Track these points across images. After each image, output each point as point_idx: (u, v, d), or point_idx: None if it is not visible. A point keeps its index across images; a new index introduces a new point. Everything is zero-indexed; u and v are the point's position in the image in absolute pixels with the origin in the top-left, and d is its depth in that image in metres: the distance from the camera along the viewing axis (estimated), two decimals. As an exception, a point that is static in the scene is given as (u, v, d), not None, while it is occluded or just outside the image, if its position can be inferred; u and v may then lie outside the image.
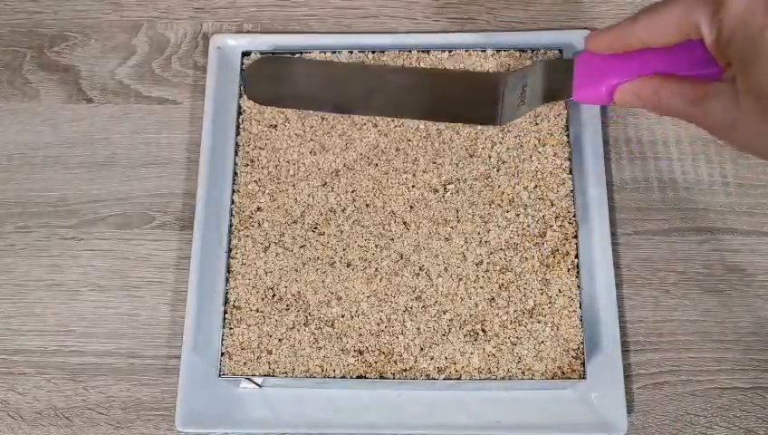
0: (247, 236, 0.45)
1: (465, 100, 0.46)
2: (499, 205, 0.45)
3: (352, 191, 0.46)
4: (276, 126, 0.47)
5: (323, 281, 0.44)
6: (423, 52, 0.48)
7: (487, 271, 0.44)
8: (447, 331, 0.43)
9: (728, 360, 0.45)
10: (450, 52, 0.48)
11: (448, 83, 0.47)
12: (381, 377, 0.42)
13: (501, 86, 0.45)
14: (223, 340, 0.43)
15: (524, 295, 0.43)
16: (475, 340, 0.42)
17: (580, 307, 0.43)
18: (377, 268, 0.44)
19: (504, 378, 0.41)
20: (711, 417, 0.44)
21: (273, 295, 0.44)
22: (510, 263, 0.44)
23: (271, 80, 0.48)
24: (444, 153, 0.46)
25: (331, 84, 0.47)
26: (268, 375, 0.42)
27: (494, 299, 0.43)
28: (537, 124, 0.46)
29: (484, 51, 0.48)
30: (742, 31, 0.31)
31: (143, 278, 0.48)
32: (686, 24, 0.33)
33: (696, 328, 0.46)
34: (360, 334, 0.43)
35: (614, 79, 0.38)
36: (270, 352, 0.42)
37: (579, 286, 0.43)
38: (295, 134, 0.47)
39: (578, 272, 0.43)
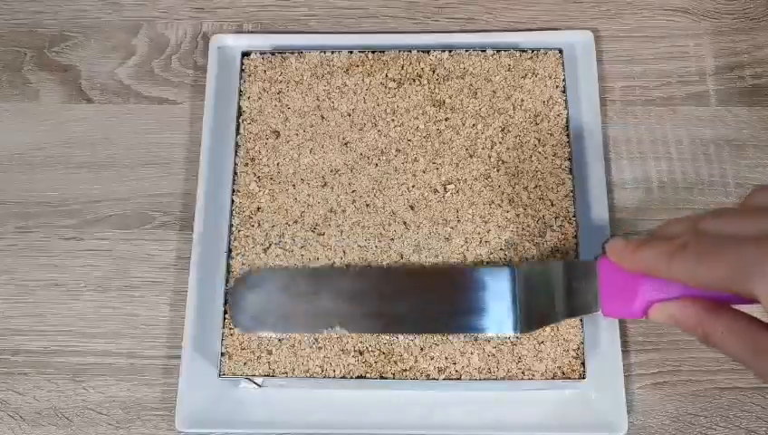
0: (247, 236, 0.45)
1: (477, 306, 0.42)
2: (499, 205, 0.45)
3: (352, 191, 0.46)
4: (276, 126, 0.47)
5: (323, 281, 0.44)
6: (423, 52, 0.48)
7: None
8: (447, 331, 0.42)
9: (728, 360, 0.45)
10: (450, 52, 0.48)
11: (454, 285, 0.42)
12: (381, 377, 0.42)
13: (514, 283, 0.41)
14: (223, 340, 0.43)
15: (524, 295, 0.43)
16: (475, 340, 0.42)
17: (511, 264, 0.43)
18: (377, 268, 0.44)
19: (503, 378, 0.41)
20: (711, 417, 0.44)
21: (273, 295, 0.44)
22: (510, 263, 0.44)
23: (253, 300, 0.43)
24: (444, 153, 0.46)
25: (320, 298, 0.42)
26: (268, 375, 0.42)
27: (494, 299, 0.43)
28: (537, 124, 0.46)
29: (484, 51, 0.48)
30: None
31: (143, 278, 0.48)
32: (736, 287, 0.30)
33: (696, 328, 0.46)
34: (360, 334, 0.43)
35: (648, 296, 0.35)
36: (270, 353, 0.42)
37: (579, 286, 0.43)
38: (295, 134, 0.47)
39: (578, 272, 0.43)
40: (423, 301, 0.42)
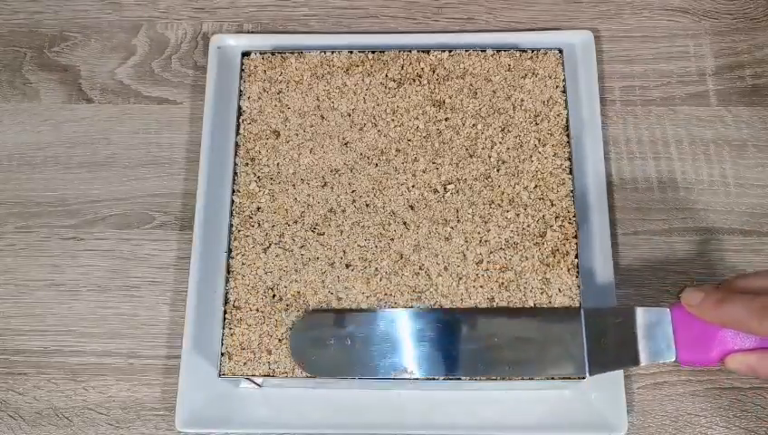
0: (247, 236, 0.45)
1: (545, 349, 0.41)
2: (499, 205, 0.45)
3: (352, 191, 0.46)
4: (276, 126, 0.47)
5: (323, 281, 0.44)
6: (423, 52, 0.48)
7: (487, 270, 0.44)
8: (447, 331, 0.42)
9: (728, 360, 0.45)
10: (450, 52, 0.48)
11: (521, 327, 0.42)
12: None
13: (579, 329, 0.41)
14: (223, 340, 0.43)
15: (524, 295, 0.43)
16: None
17: (581, 307, 0.43)
18: (377, 268, 0.44)
19: (504, 378, 0.41)
20: (711, 417, 0.44)
21: (273, 295, 0.44)
22: (510, 262, 0.44)
23: (315, 341, 0.42)
24: (444, 153, 0.46)
25: (386, 339, 0.42)
26: (268, 375, 0.42)
27: (493, 298, 0.43)
28: (537, 124, 0.46)
29: (484, 51, 0.48)
30: None
31: (143, 278, 0.48)
32: None
33: (696, 328, 0.46)
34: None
35: (725, 346, 0.35)
36: (270, 353, 0.42)
37: (579, 286, 0.43)
38: (295, 134, 0.47)
39: (578, 272, 0.43)
40: (489, 343, 0.41)
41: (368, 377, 0.41)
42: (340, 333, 0.42)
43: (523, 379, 0.41)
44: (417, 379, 0.41)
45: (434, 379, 0.41)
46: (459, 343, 0.42)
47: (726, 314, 0.34)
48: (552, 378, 0.41)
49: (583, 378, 0.41)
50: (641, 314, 0.40)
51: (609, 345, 0.40)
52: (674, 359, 0.38)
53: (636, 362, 0.39)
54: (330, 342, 0.42)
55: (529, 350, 0.41)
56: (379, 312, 0.43)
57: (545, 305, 0.42)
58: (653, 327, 0.39)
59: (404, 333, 0.42)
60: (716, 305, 0.35)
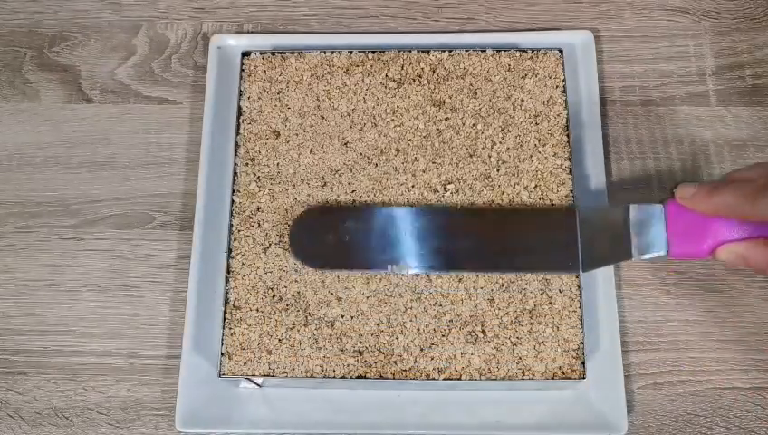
0: (247, 236, 0.45)
1: (539, 245, 0.42)
2: (499, 205, 0.45)
3: (352, 191, 0.46)
4: (276, 126, 0.47)
5: (323, 281, 0.44)
6: (423, 52, 0.48)
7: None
8: (447, 331, 0.42)
9: (728, 360, 0.45)
10: (450, 52, 0.48)
11: (516, 225, 0.43)
12: (381, 377, 0.42)
13: (574, 225, 0.42)
14: (223, 340, 0.43)
15: (524, 295, 0.43)
16: (476, 340, 0.42)
17: (580, 307, 0.43)
18: (377, 268, 0.44)
19: (504, 378, 0.41)
20: (711, 417, 0.44)
21: (273, 295, 0.44)
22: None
23: (318, 235, 0.43)
24: (444, 153, 0.46)
25: (384, 235, 0.43)
26: (268, 375, 0.42)
27: (493, 299, 0.43)
28: (537, 124, 0.46)
29: (484, 51, 0.48)
30: None
31: (143, 278, 0.48)
32: None
33: (696, 328, 0.46)
34: (360, 335, 0.43)
35: (717, 238, 0.36)
36: (270, 352, 0.42)
37: (579, 286, 0.43)
38: (295, 134, 0.47)
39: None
40: (484, 240, 0.43)
41: (364, 269, 0.43)
42: (339, 229, 0.43)
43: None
44: (416, 274, 0.43)
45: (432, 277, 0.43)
46: (457, 240, 0.43)
47: (719, 201, 0.35)
48: (547, 272, 0.42)
49: (584, 379, 0.41)
50: (635, 211, 0.40)
51: (603, 242, 0.41)
52: (665, 252, 0.38)
53: (628, 255, 0.40)
54: (329, 236, 0.43)
55: (525, 247, 0.43)
56: (378, 209, 0.44)
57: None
58: (646, 223, 0.39)
59: (403, 229, 0.43)
60: (709, 194, 0.35)
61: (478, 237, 0.43)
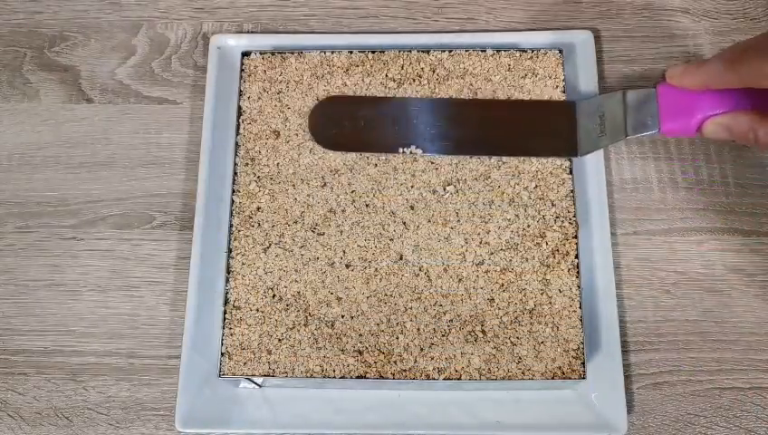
0: (247, 236, 0.45)
1: (541, 130, 0.46)
2: (499, 205, 0.45)
3: (352, 191, 0.46)
4: (276, 126, 0.47)
5: (323, 281, 0.44)
6: (423, 52, 0.48)
7: (487, 271, 0.44)
8: (447, 331, 0.43)
9: (728, 360, 0.45)
10: (450, 52, 0.48)
11: (518, 114, 0.46)
12: (381, 377, 0.42)
13: (573, 113, 0.45)
14: (223, 340, 0.43)
15: (524, 295, 0.43)
16: (475, 340, 0.42)
17: (580, 307, 0.43)
18: (376, 268, 0.44)
19: (504, 378, 0.41)
20: (711, 417, 0.44)
21: (273, 295, 0.44)
22: (510, 263, 0.44)
23: (335, 120, 0.47)
24: (444, 153, 0.46)
25: (397, 122, 0.46)
26: (268, 375, 0.42)
27: (493, 299, 0.43)
28: (537, 124, 0.46)
29: (484, 51, 0.48)
30: None
31: (143, 278, 0.48)
32: None
33: (696, 328, 0.46)
34: (360, 335, 0.43)
35: (704, 112, 0.38)
36: (270, 352, 0.42)
37: (579, 286, 0.43)
38: (295, 134, 0.47)
39: (578, 272, 0.43)
40: (491, 127, 0.46)
41: (377, 151, 0.46)
42: (354, 115, 0.47)
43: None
44: (424, 154, 0.46)
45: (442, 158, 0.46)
46: (464, 127, 0.46)
47: (704, 72, 0.37)
48: (547, 156, 0.45)
49: (584, 379, 0.41)
50: (629, 96, 0.43)
51: (600, 126, 0.44)
52: (657, 129, 0.41)
53: (623, 134, 0.42)
54: (345, 123, 0.47)
55: (527, 133, 0.46)
56: (393, 99, 0.47)
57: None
58: (640, 105, 0.42)
59: (414, 118, 0.46)
60: (696, 68, 0.38)
61: (483, 125, 0.46)
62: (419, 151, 0.46)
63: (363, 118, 0.47)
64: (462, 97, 0.47)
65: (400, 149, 0.46)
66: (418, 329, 0.43)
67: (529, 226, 0.44)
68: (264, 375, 0.42)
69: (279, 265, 0.44)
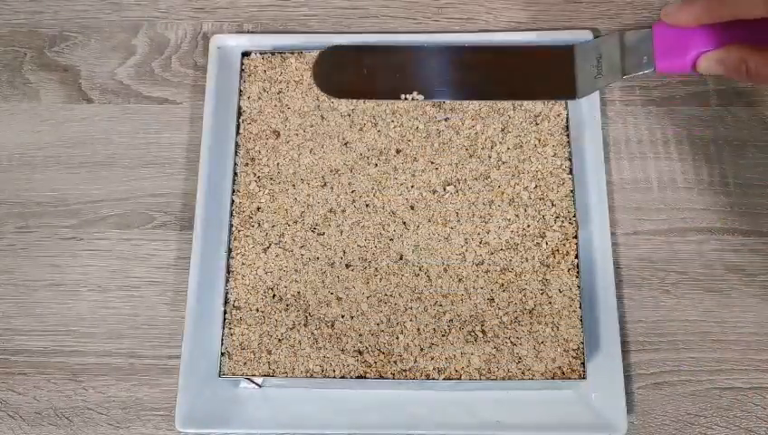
0: (247, 236, 0.45)
1: (539, 74, 0.47)
2: (499, 205, 0.45)
3: (352, 191, 0.46)
4: (276, 126, 0.47)
5: (323, 281, 0.44)
6: (423, 51, 0.48)
7: (487, 271, 0.44)
8: (447, 331, 0.43)
9: (728, 360, 0.45)
10: (450, 51, 0.48)
11: (518, 59, 0.47)
12: (381, 377, 0.42)
13: (572, 57, 0.46)
14: (223, 340, 0.43)
15: (524, 295, 0.43)
16: (475, 340, 0.42)
17: (580, 307, 0.43)
18: (376, 268, 0.44)
19: (503, 378, 0.41)
20: (711, 417, 0.44)
21: (273, 295, 0.44)
22: (510, 263, 0.44)
23: (339, 70, 0.48)
24: (443, 153, 0.46)
25: (399, 70, 0.47)
26: (268, 375, 0.42)
27: (493, 299, 0.43)
28: (537, 124, 0.46)
29: (485, 51, 0.48)
30: None
31: (143, 278, 0.48)
32: None
33: (696, 328, 0.46)
34: (360, 335, 0.43)
35: (698, 48, 0.39)
36: (270, 352, 0.42)
37: (579, 286, 0.43)
38: (295, 134, 0.47)
39: (578, 272, 0.43)
40: (492, 72, 0.47)
41: (380, 98, 0.47)
42: (358, 64, 0.48)
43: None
44: (424, 100, 0.47)
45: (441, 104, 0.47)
46: (465, 73, 0.47)
47: (696, 6, 0.38)
48: (545, 99, 0.46)
49: (584, 379, 0.41)
50: (626, 37, 0.43)
51: (596, 68, 0.45)
52: (652, 68, 0.41)
53: (620, 73, 0.43)
54: (348, 71, 0.48)
55: (526, 78, 0.47)
56: (395, 48, 0.48)
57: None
58: (637, 45, 0.42)
59: (417, 65, 0.47)
60: (689, 5, 0.38)
61: (483, 71, 0.47)
62: (421, 97, 0.46)
63: (366, 66, 0.48)
64: (462, 45, 0.48)
65: (402, 96, 0.46)
66: (418, 329, 0.43)
67: (529, 226, 0.44)
68: (264, 375, 0.42)
69: (279, 265, 0.44)
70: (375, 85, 0.47)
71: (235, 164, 0.46)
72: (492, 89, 0.47)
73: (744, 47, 0.37)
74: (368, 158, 0.46)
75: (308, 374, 0.42)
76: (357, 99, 0.47)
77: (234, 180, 0.46)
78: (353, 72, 0.48)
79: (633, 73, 0.42)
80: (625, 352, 0.45)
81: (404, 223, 0.45)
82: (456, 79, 0.47)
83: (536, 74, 0.47)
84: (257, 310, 0.43)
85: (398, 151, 0.46)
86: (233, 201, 0.46)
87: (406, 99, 0.46)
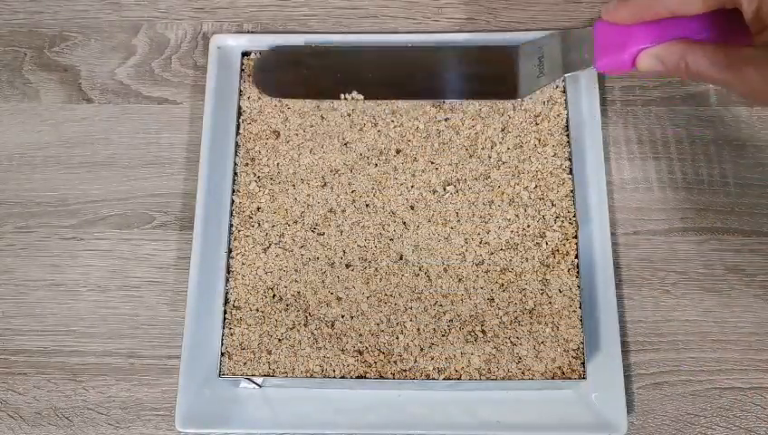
0: (247, 236, 0.45)
1: (481, 75, 0.47)
2: (499, 205, 0.45)
3: (352, 191, 0.46)
4: (276, 126, 0.47)
5: (323, 281, 0.44)
6: (423, 51, 0.48)
7: (487, 271, 0.44)
8: (447, 331, 0.43)
9: (728, 360, 0.45)
10: (450, 51, 0.48)
11: (461, 59, 0.47)
12: (381, 377, 0.42)
13: (515, 57, 0.46)
14: (223, 340, 0.43)
15: (524, 295, 0.43)
16: (475, 340, 0.42)
17: (580, 307, 0.43)
18: (376, 268, 0.44)
19: (503, 378, 0.41)
20: (711, 417, 0.44)
21: (273, 295, 0.44)
22: (510, 263, 0.44)
23: (280, 71, 0.48)
24: (443, 153, 0.46)
25: (341, 70, 0.47)
26: (268, 375, 0.42)
27: (493, 299, 0.43)
28: (537, 124, 0.46)
29: (484, 51, 0.48)
30: None
31: (143, 278, 0.48)
32: None
33: (696, 328, 0.46)
34: (360, 335, 0.43)
35: (637, 45, 0.39)
36: (270, 352, 0.42)
37: (579, 286, 0.43)
38: (295, 134, 0.47)
39: (578, 272, 0.43)
40: (435, 73, 0.47)
41: (319, 98, 0.46)
42: (298, 64, 0.48)
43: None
44: (364, 100, 0.47)
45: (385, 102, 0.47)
46: (408, 73, 0.47)
47: (634, 3, 0.38)
48: (488, 99, 0.46)
49: (584, 379, 0.41)
50: (567, 35, 0.44)
51: (538, 67, 0.45)
52: (592, 66, 0.41)
53: (560, 72, 0.44)
54: (288, 72, 0.48)
55: (470, 78, 0.47)
56: (335, 48, 0.48)
57: (540, 295, 0.42)
58: (578, 44, 0.43)
59: (358, 65, 0.47)
60: (627, 1, 0.39)
61: (426, 70, 0.47)
62: (360, 97, 0.46)
63: (306, 66, 0.48)
64: (405, 44, 0.48)
65: (342, 95, 0.47)
66: (418, 329, 0.43)
67: (529, 226, 0.44)
68: (264, 375, 0.42)
69: (279, 265, 0.44)
70: (315, 85, 0.47)
71: (235, 164, 0.46)
72: (433, 89, 0.46)
73: (683, 43, 0.37)
74: (368, 158, 0.46)
75: (308, 374, 0.42)
76: (296, 99, 0.47)
77: (234, 180, 0.46)
78: (294, 73, 0.48)
79: (573, 71, 0.43)
80: (625, 352, 0.45)
81: (404, 223, 0.45)
82: (396, 78, 0.47)
83: (479, 74, 0.47)
84: (257, 310, 0.43)
85: (398, 151, 0.46)
86: (233, 201, 0.46)
87: (345, 98, 0.47)
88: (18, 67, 0.53)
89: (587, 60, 0.42)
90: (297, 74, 0.48)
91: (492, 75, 0.46)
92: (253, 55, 0.49)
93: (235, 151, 0.47)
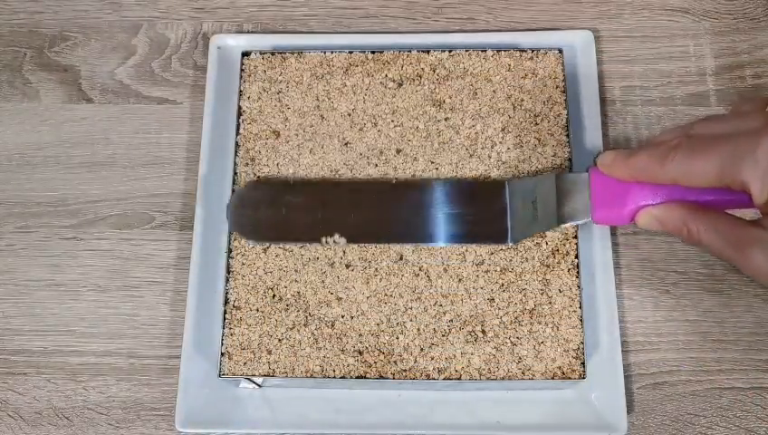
0: (247, 236, 0.45)
1: (471, 216, 0.43)
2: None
3: (352, 191, 0.45)
4: (276, 126, 0.47)
5: (323, 281, 0.44)
6: (423, 52, 0.48)
7: (487, 271, 0.44)
8: (447, 331, 0.43)
9: (728, 360, 0.45)
10: (450, 52, 0.48)
11: (448, 198, 0.44)
12: (381, 377, 0.42)
13: (505, 197, 0.43)
14: (223, 340, 0.43)
15: (524, 295, 0.43)
16: (475, 340, 0.42)
17: (580, 307, 0.43)
18: (376, 268, 0.44)
19: (504, 378, 0.41)
20: (711, 417, 0.44)
21: (273, 295, 0.44)
22: (510, 263, 0.44)
23: (258, 208, 0.44)
24: (443, 153, 0.46)
25: (321, 208, 0.44)
26: (268, 375, 0.42)
27: (493, 299, 0.43)
28: (537, 124, 0.46)
29: (485, 51, 0.48)
30: None
31: (143, 278, 0.48)
32: (729, 178, 0.32)
33: (696, 328, 0.46)
34: (360, 335, 0.43)
35: (636, 203, 0.37)
36: (270, 352, 0.42)
37: (579, 286, 0.43)
38: (295, 134, 0.47)
39: (578, 272, 0.43)
40: (420, 212, 0.44)
41: (299, 242, 0.44)
42: (276, 202, 0.44)
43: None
44: (346, 243, 0.44)
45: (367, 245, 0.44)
46: (389, 212, 0.44)
47: (633, 164, 0.36)
48: (477, 244, 0.43)
49: (584, 379, 0.41)
50: (561, 180, 0.41)
51: (531, 212, 0.42)
52: (588, 219, 0.40)
53: (555, 222, 0.41)
54: (265, 210, 0.44)
55: (456, 220, 0.44)
56: (317, 182, 0.45)
57: (542, 305, 0.42)
58: (572, 191, 0.41)
59: (339, 203, 0.44)
60: (625, 159, 0.37)
61: (408, 210, 0.44)
62: (343, 241, 0.43)
63: (285, 204, 0.44)
64: (389, 181, 0.45)
65: (323, 239, 0.44)
66: (418, 329, 0.43)
67: (529, 226, 0.44)
68: (264, 375, 0.42)
69: (279, 265, 0.44)
70: (293, 226, 0.44)
71: (235, 164, 0.46)
72: (417, 233, 0.43)
73: (686, 207, 0.35)
74: (368, 158, 0.46)
75: (308, 374, 0.42)
76: (273, 242, 0.44)
77: (234, 180, 0.46)
78: (271, 211, 0.44)
79: (569, 223, 0.41)
80: (625, 352, 0.45)
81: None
82: (380, 219, 0.44)
83: (467, 215, 0.43)
84: (257, 310, 0.43)
85: (398, 151, 0.46)
86: (233, 201, 0.46)
87: (327, 243, 0.43)
88: (18, 67, 0.53)
89: (583, 212, 0.40)
90: (276, 213, 0.44)
91: (482, 217, 0.43)
92: (254, 56, 0.49)
93: (235, 151, 0.47)
